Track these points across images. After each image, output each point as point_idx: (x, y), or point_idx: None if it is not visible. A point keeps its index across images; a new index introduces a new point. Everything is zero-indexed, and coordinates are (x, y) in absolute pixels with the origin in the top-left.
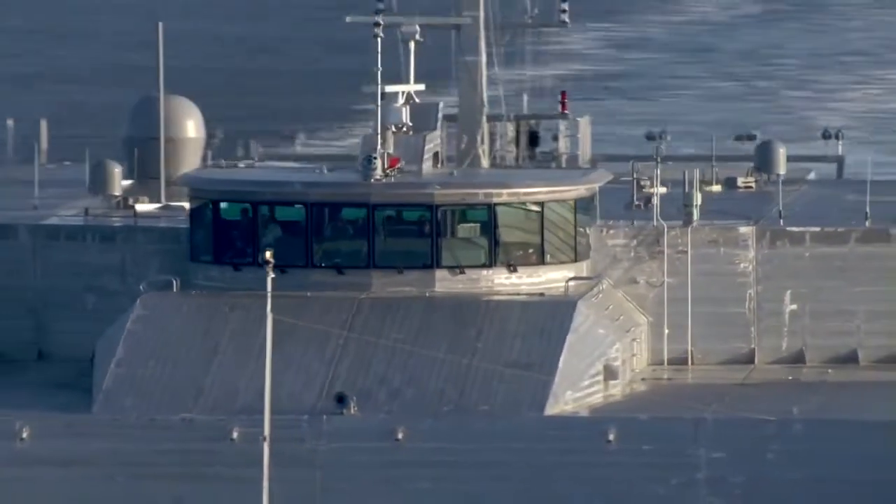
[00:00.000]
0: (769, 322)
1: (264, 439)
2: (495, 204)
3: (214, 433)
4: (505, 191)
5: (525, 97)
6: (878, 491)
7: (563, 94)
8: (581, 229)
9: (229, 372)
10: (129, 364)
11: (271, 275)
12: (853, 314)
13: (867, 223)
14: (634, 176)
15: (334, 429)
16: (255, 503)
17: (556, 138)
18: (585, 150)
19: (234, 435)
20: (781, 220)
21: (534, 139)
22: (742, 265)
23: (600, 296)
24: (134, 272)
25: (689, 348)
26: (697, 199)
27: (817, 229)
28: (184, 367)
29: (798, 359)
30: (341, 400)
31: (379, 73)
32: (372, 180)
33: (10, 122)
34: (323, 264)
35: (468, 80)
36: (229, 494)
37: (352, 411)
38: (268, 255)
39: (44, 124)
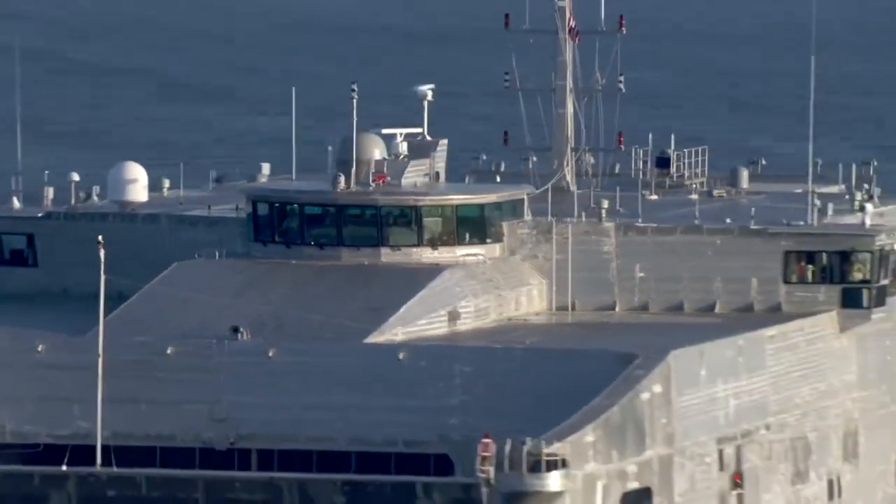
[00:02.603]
0: (625, 284)
1: (98, 356)
2: (420, 206)
3: (156, 350)
4: (427, 198)
5: (651, 136)
6: (564, 397)
7: (619, 133)
8: (497, 223)
9: (189, 311)
10: (133, 306)
11: (103, 250)
12: (679, 279)
13: (696, 222)
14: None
15: (230, 349)
16: (174, 395)
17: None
18: (700, 173)
19: (169, 351)
20: (640, 220)
21: (662, 162)
22: (606, 247)
23: (480, 266)
24: (227, 247)
25: (570, 300)
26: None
27: (655, 225)
28: (162, 308)
29: (645, 308)
30: (236, 330)
31: (355, 122)
32: (337, 190)
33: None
34: (311, 243)
35: (559, 125)
36: (166, 390)
37: (244, 338)
38: (100, 238)
39: (330, 149)
